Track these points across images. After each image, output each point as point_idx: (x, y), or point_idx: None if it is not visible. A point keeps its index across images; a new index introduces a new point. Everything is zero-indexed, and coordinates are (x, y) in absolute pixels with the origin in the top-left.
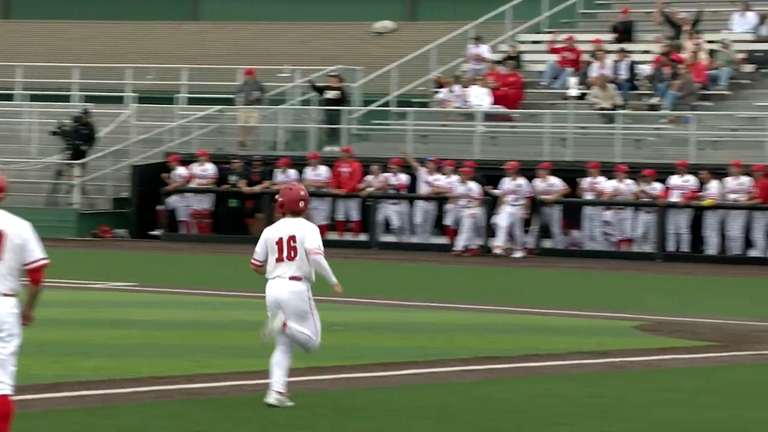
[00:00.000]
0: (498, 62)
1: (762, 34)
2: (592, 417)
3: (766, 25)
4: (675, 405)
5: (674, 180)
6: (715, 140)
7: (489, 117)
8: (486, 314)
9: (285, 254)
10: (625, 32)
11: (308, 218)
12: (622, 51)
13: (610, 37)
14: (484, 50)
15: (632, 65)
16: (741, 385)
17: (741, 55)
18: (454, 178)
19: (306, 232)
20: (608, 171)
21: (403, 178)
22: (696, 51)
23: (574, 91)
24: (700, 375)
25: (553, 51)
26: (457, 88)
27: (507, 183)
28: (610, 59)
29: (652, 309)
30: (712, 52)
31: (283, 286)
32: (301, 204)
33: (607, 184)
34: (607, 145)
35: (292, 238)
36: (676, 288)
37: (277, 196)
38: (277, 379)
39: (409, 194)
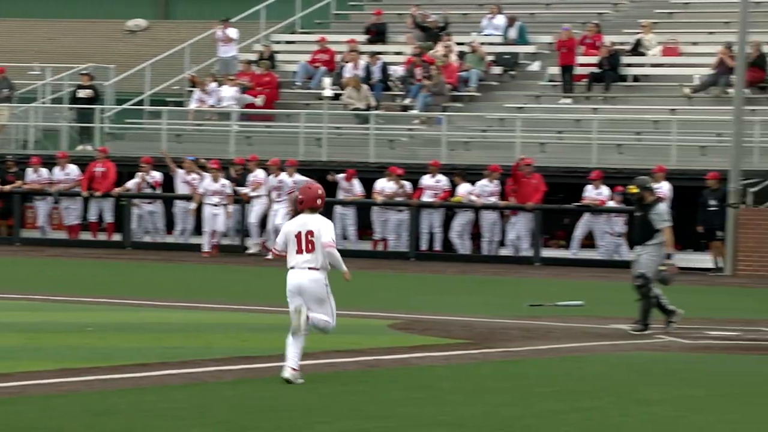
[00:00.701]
0: (252, 62)
1: (510, 37)
2: (348, 415)
3: (515, 28)
4: (426, 402)
5: (426, 180)
6: (466, 141)
7: (244, 116)
8: (240, 314)
9: (303, 247)
10: (377, 34)
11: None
12: (375, 53)
13: (363, 38)
14: (232, 32)
15: (385, 66)
16: (490, 380)
17: (490, 58)
18: (208, 177)
19: (322, 227)
20: (364, 171)
21: (157, 176)
22: (447, 53)
23: (328, 92)
24: (451, 372)
25: (315, 53)
26: (212, 86)
27: (271, 179)
28: (363, 60)
29: (405, 308)
30: (462, 55)
31: (303, 275)
32: (319, 201)
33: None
34: (362, 145)
35: (310, 233)
36: (428, 287)
37: (296, 194)
38: (292, 357)
39: (164, 194)
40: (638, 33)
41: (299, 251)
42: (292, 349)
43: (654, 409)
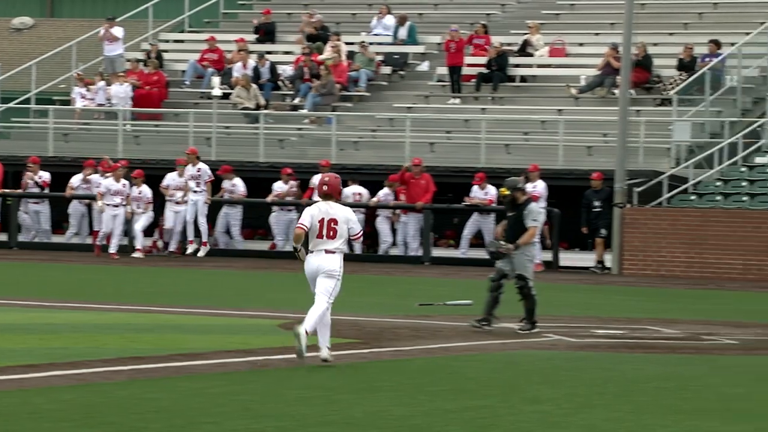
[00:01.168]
0: (140, 61)
1: (400, 37)
2: (238, 415)
3: (405, 28)
4: (317, 401)
5: (317, 180)
6: (356, 140)
7: (133, 116)
8: (129, 314)
9: (325, 233)
10: (267, 33)
11: None
12: (264, 53)
13: (252, 37)
14: (117, 31)
15: (274, 66)
16: (381, 380)
17: (379, 58)
18: (108, 177)
19: (349, 218)
20: (254, 171)
21: (46, 176)
22: (336, 53)
23: (217, 91)
24: (342, 372)
25: (204, 53)
26: (99, 84)
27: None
28: (252, 60)
29: (295, 307)
30: (351, 54)
31: (321, 258)
32: (340, 191)
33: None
34: (252, 144)
35: (333, 220)
36: None
37: (319, 181)
38: (323, 339)
39: (52, 194)
40: (525, 33)
41: (320, 236)
42: (324, 330)
43: (543, 407)
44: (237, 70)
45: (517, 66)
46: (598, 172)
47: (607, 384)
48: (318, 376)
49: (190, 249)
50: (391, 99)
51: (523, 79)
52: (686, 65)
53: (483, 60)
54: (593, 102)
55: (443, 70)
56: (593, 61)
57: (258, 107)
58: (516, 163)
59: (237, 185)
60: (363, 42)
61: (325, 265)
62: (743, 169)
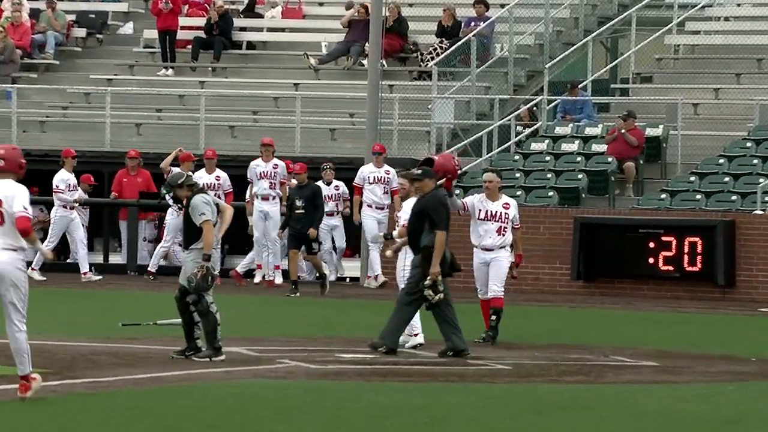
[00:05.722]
0: None
1: None
2: None
3: None
4: None
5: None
6: (42, 120)
7: None
8: None
9: None
10: None
11: None
12: None
13: None
14: None
15: None
16: (74, 420)
17: (71, 17)
18: None
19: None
20: None
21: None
22: (18, 10)
23: None
24: (25, 409)
25: None
26: None
27: None
28: None
29: None
30: (36, 13)
31: None
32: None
33: None
34: None
35: None
36: None
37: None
38: (417, 324)
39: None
40: None
41: None
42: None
43: None
44: None
45: (244, 29)
46: (301, 163)
47: (353, 418)
48: None
49: None
50: (86, 69)
51: (251, 45)
52: (448, 31)
53: (201, 22)
54: (337, 75)
55: (152, 34)
56: (336, 25)
57: None
58: (244, 149)
59: None
60: None
61: None
62: (517, 157)
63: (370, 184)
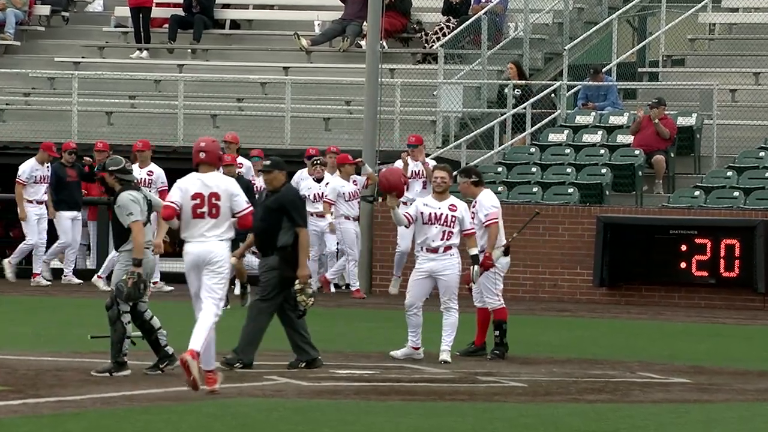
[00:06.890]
0: None
1: None
2: None
3: None
4: None
5: None
6: (2, 108)
7: None
8: None
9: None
10: None
11: None
12: None
13: None
14: None
15: None
16: None
17: None
18: None
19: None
20: None
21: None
22: None
23: None
24: None
25: None
26: None
27: None
28: None
29: None
30: None
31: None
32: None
33: None
34: None
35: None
36: None
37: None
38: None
39: None
40: None
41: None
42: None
43: None
44: None
45: (227, 6)
46: (231, 153)
47: None
48: None
49: None
50: (50, 51)
51: (235, 24)
52: (456, 9)
53: None
54: (331, 58)
55: (124, 12)
56: (330, 2)
57: None
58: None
59: None
60: None
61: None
62: (533, 150)
63: (409, 179)
